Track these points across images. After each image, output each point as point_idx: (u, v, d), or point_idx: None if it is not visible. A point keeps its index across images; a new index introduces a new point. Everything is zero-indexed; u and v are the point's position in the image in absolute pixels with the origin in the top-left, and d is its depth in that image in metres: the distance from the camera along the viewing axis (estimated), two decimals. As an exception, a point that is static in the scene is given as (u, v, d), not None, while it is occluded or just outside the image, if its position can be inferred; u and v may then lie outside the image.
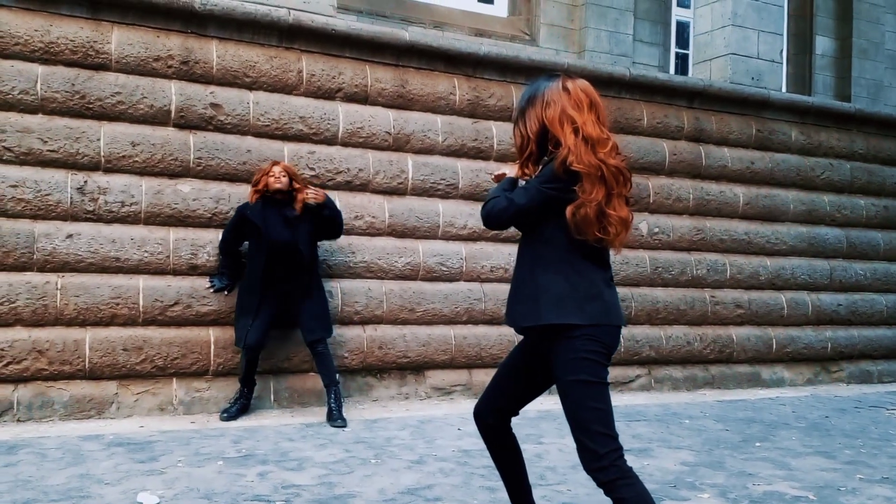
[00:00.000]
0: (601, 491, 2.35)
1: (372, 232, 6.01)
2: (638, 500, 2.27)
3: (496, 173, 2.71)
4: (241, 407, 5.14)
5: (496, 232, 6.41)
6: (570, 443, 4.61)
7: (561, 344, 2.35)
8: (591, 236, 2.34)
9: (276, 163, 5.24)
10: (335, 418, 5.00)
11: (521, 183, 2.54)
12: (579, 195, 2.30)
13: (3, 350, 4.80)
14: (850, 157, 8.51)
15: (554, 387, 2.66)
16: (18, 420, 4.81)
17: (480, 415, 2.68)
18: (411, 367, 6.02)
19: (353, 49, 6.07)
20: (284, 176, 5.14)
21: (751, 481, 3.96)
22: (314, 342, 5.12)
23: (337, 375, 5.20)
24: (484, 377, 6.20)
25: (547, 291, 2.37)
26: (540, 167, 2.47)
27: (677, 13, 10.67)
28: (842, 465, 4.39)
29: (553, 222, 2.38)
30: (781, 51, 8.53)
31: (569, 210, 2.31)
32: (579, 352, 2.32)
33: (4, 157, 4.96)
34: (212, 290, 5.33)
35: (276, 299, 5.14)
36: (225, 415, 5.06)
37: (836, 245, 8.27)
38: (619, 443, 2.34)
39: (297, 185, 5.19)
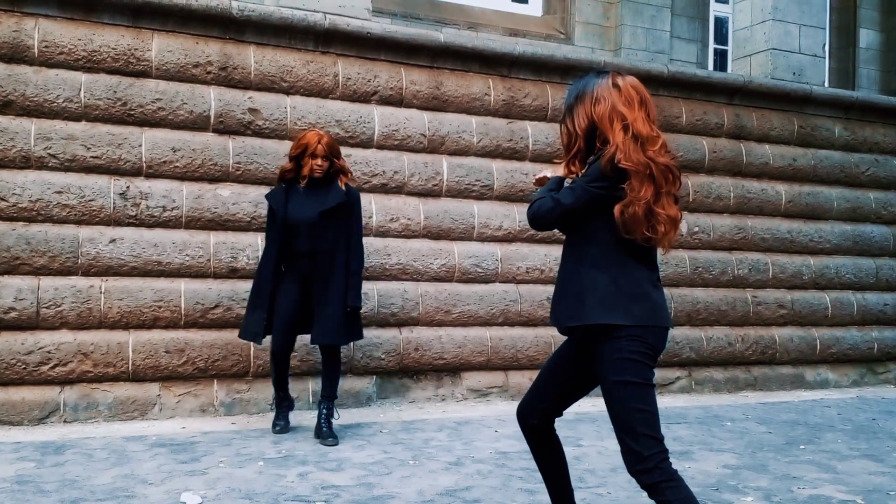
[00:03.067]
0: (641, 494, 2.33)
1: (407, 234, 6.02)
2: None
3: (538, 176, 2.69)
4: (286, 415, 4.85)
5: (532, 233, 6.39)
6: (609, 445, 4.57)
7: (606, 344, 2.33)
8: (640, 235, 2.31)
9: (320, 137, 4.59)
10: (325, 435, 4.51)
11: (567, 182, 2.52)
12: (627, 193, 2.27)
13: (49, 353, 4.92)
14: (896, 152, 8.30)
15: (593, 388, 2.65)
16: (65, 421, 4.92)
17: (523, 415, 2.66)
18: (447, 369, 6.02)
19: (388, 52, 6.10)
20: (326, 160, 4.58)
21: (795, 484, 3.88)
22: (325, 347, 4.62)
23: (337, 390, 4.76)
24: (520, 379, 6.18)
25: (593, 291, 2.35)
26: (586, 165, 2.45)
27: (715, 8, 10.52)
28: (891, 468, 4.28)
29: (600, 221, 2.36)
30: (824, 45, 8.35)
31: (617, 208, 2.28)
32: (624, 352, 2.30)
33: (50, 164, 5.08)
34: None
35: (294, 292, 4.59)
36: (277, 427, 4.74)
37: (883, 243, 8.07)
38: (665, 445, 2.32)
39: (338, 164, 4.65)
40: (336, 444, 4.47)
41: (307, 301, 4.58)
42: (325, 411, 4.58)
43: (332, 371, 4.64)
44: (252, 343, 5.36)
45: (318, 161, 4.55)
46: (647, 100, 2.42)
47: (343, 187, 4.64)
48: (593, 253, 2.38)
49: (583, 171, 2.44)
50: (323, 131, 4.80)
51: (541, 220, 2.47)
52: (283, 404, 4.87)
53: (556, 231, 2.57)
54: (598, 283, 2.35)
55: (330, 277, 4.54)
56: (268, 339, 4.72)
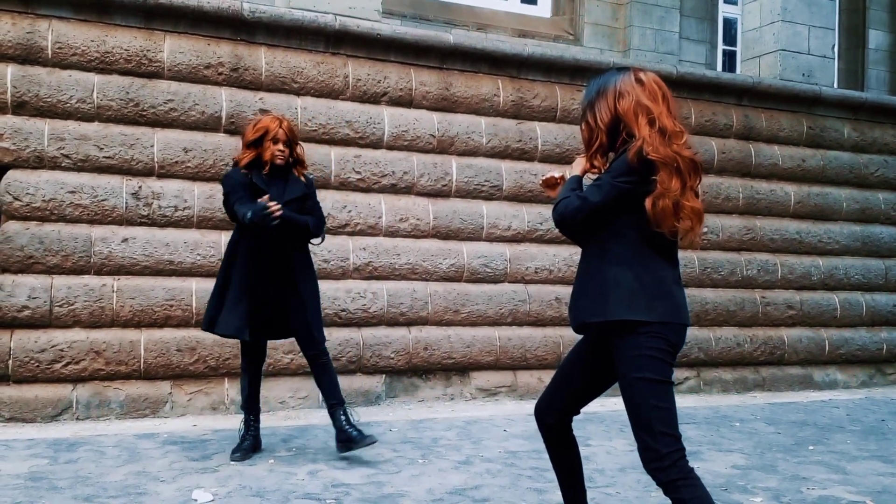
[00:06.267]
0: (651, 493, 2.34)
1: (416, 234, 6.05)
2: (698, 503, 2.25)
3: (545, 177, 2.69)
4: (252, 443, 4.23)
5: (540, 233, 6.41)
6: (618, 445, 4.58)
7: (626, 340, 2.32)
8: (669, 229, 2.30)
9: (280, 121, 4.09)
10: (357, 438, 4.05)
11: (586, 179, 2.51)
12: (658, 186, 2.26)
13: (62, 351, 4.96)
14: (905, 153, 8.28)
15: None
16: (77, 418, 4.96)
17: (541, 414, 2.65)
18: (456, 369, 6.04)
19: (398, 53, 6.12)
20: (287, 145, 4.10)
21: (805, 485, 3.88)
22: (317, 354, 4.16)
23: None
24: (529, 379, 6.20)
25: (616, 287, 2.33)
26: (607, 161, 2.44)
27: (724, 10, 10.51)
28: (900, 469, 4.28)
29: (624, 217, 2.35)
30: (833, 46, 8.34)
31: (648, 202, 2.27)
32: (644, 349, 2.29)
33: (63, 164, 5.13)
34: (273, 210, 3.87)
35: (262, 291, 4.08)
36: (237, 454, 4.10)
37: (892, 244, 8.04)
38: (682, 443, 2.31)
39: (297, 154, 4.19)
40: (374, 441, 4.10)
41: (267, 300, 4.09)
42: (343, 417, 4.12)
43: (329, 373, 4.19)
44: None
45: (280, 146, 4.06)
46: (669, 95, 2.42)
47: (302, 178, 4.19)
48: (617, 250, 2.36)
49: (605, 165, 2.44)
50: (281, 115, 4.28)
51: (570, 221, 2.42)
52: (250, 433, 4.24)
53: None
54: (622, 279, 2.33)
55: (296, 276, 4.11)
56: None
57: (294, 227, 4.07)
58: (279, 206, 3.90)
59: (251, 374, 4.25)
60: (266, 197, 3.91)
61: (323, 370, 4.17)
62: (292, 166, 4.18)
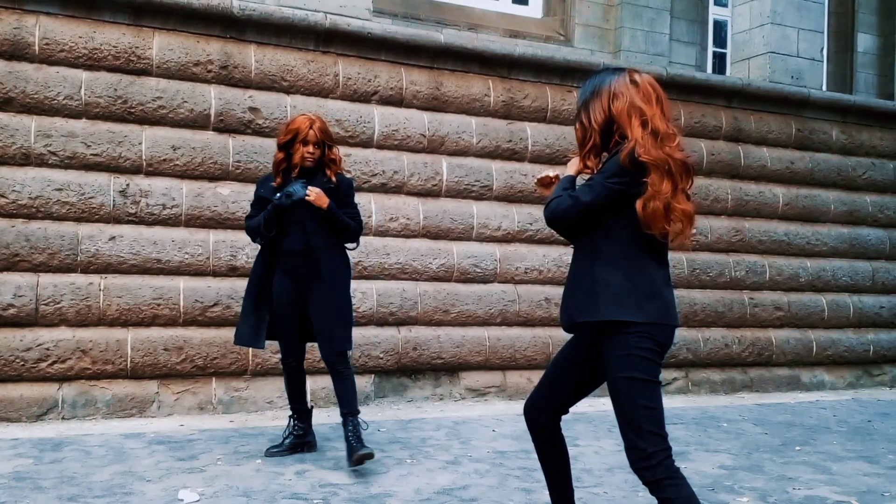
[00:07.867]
0: (637, 493, 2.35)
1: (406, 234, 6.04)
2: (684, 502, 2.25)
3: (539, 176, 2.69)
4: (292, 444, 4.24)
5: (531, 234, 6.41)
6: (605, 445, 4.59)
7: (615, 340, 2.34)
8: (660, 231, 2.32)
9: (311, 122, 4.00)
10: (358, 449, 3.85)
11: (580, 179, 2.52)
12: (649, 188, 2.28)
13: (48, 350, 4.92)
14: (893, 156, 8.32)
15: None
16: (63, 418, 4.93)
17: (531, 412, 2.66)
18: (445, 369, 6.04)
19: (389, 52, 6.11)
20: (318, 147, 4.01)
21: (791, 485, 3.90)
22: (334, 359, 4.04)
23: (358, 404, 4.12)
24: (518, 379, 6.20)
25: (606, 287, 2.35)
26: (600, 161, 2.45)
27: (714, 12, 10.54)
28: (885, 470, 4.30)
29: (615, 218, 2.36)
30: (822, 49, 8.39)
31: (639, 204, 2.29)
32: (633, 348, 2.31)
33: (50, 161, 5.09)
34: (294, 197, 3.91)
35: (290, 295, 4.08)
36: (274, 449, 4.22)
37: (879, 246, 8.10)
38: (668, 443, 2.32)
39: (331, 156, 4.08)
40: (372, 456, 3.88)
41: (304, 304, 4.08)
42: (351, 428, 3.94)
43: (347, 380, 4.03)
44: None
45: (310, 148, 3.98)
46: (663, 97, 2.43)
47: (332, 177, 4.05)
48: (608, 250, 2.38)
49: (598, 165, 2.45)
50: (315, 115, 4.16)
51: (561, 219, 2.44)
52: (293, 432, 4.27)
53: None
54: (613, 279, 2.35)
55: (325, 279, 4.01)
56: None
57: (332, 224, 4.03)
58: (320, 192, 3.92)
59: (287, 372, 4.24)
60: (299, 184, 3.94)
61: (338, 378, 4.03)
62: (323, 167, 4.06)
